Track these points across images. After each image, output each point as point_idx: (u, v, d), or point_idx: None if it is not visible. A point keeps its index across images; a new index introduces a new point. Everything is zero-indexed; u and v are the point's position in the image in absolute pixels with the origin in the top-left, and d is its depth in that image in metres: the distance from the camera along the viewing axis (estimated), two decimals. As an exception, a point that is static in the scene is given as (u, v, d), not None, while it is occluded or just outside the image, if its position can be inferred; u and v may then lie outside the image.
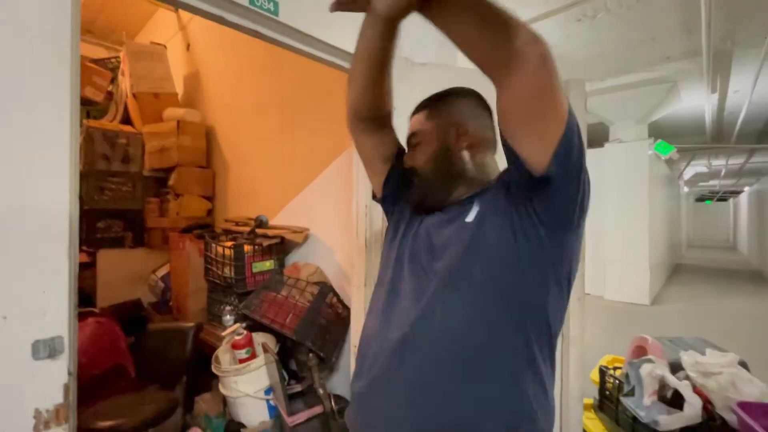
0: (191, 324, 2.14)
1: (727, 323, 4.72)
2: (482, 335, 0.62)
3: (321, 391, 1.67)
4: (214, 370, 1.79)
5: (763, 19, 3.16)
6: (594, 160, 5.72)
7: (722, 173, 10.51)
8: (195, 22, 3.32)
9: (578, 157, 0.58)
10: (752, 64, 3.94)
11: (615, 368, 1.77)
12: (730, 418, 1.26)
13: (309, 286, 1.88)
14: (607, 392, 1.71)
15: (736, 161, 8.97)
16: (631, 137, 5.82)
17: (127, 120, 3.16)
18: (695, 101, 5.40)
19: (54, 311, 0.74)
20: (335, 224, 2.00)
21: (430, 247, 0.71)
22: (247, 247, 2.10)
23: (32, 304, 0.72)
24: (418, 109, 0.82)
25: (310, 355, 1.72)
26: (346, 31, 1.34)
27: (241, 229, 2.33)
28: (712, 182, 13.28)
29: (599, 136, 6.31)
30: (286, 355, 1.94)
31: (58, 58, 0.76)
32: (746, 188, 13.08)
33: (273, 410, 1.74)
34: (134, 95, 3.05)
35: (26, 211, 0.72)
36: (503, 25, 0.53)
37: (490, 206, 0.67)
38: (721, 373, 1.32)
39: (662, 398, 1.42)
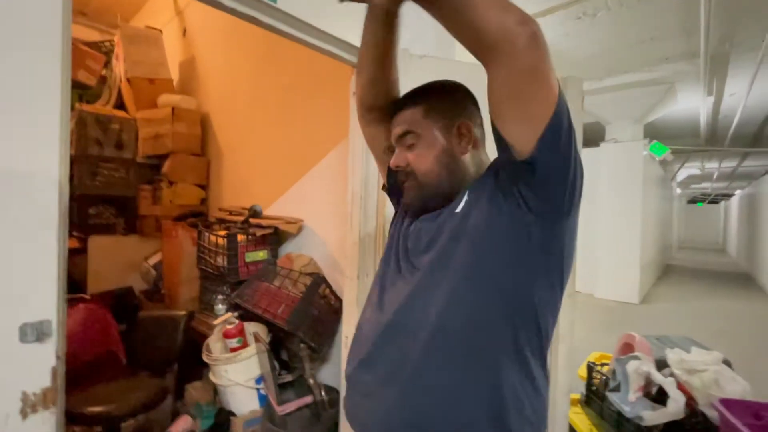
0: (183, 312, 2.13)
1: (715, 323, 4.81)
2: (463, 321, 0.62)
3: (311, 381, 1.68)
4: (205, 358, 1.79)
5: (761, 22, 3.17)
6: (589, 159, 5.74)
7: (715, 176, 10.63)
8: (192, 8, 3.26)
9: (567, 143, 0.57)
10: (749, 68, 3.96)
11: (602, 365, 1.80)
12: (712, 415, 1.29)
13: (302, 276, 1.88)
14: (594, 388, 1.74)
15: (728, 164, 9.08)
16: (626, 137, 5.85)
17: (120, 105, 3.11)
18: (691, 103, 5.44)
19: (42, 295, 0.73)
20: (329, 216, 2.00)
21: (422, 243, 0.71)
22: (240, 237, 2.10)
23: (20, 287, 0.71)
24: (409, 102, 0.75)
25: (302, 345, 1.72)
26: (345, 21, 1.33)
27: (234, 218, 2.31)
28: (704, 185, 13.44)
29: (595, 136, 6.34)
30: (278, 345, 1.95)
31: (48, 35, 0.74)
32: (737, 192, 13.24)
33: (263, 399, 1.75)
34: (128, 80, 3.00)
35: (14, 192, 0.71)
36: (492, 6, 0.53)
37: (479, 194, 0.67)
38: (705, 371, 1.35)
39: (647, 394, 1.45)
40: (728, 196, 15.48)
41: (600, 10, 3.17)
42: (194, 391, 2.09)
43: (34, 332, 0.72)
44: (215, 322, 1.88)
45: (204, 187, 3.05)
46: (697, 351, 1.51)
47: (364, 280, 1.46)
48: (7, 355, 0.70)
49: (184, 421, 2.01)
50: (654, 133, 6.54)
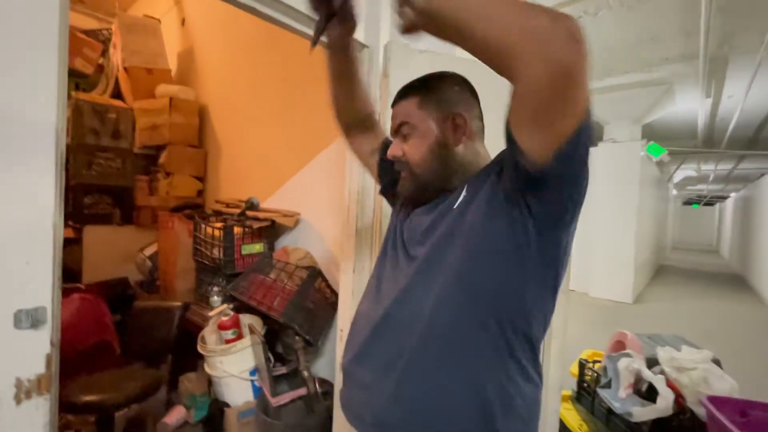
0: (178, 303, 2.14)
1: (706, 323, 4.87)
2: (453, 318, 0.62)
3: (306, 373, 1.69)
4: (199, 349, 1.79)
5: (761, 25, 3.18)
6: (587, 158, 5.78)
7: (710, 178, 10.69)
8: (191, -3, 3.23)
9: (584, 155, 0.55)
10: (747, 70, 3.98)
11: (595, 362, 1.82)
12: (700, 412, 1.31)
13: (298, 270, 1.89)
14: (585, 384, 1.76)
15: (724, 167, 9.13)
16: (624, 137, 5.88)
17: (117, 95, 3.09)
18: (689, 105, 5.46)
19: (37, 282, 0.73)
20: (326, 210, 2.00)
21: (417, 234, 0.72)
22: (236, 229, 2.09)
23: (15, 273, 0.71)
24: (406, 94, 0.76)
25: (297, 338, 1.73)
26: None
27: (231, 210, 2.31)
28: (700, 186, 13.51)
29: (594, 135, 6.36)
30: (273, 337, 1.96)
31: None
32: (732, 194, 13.34)
33: (257, 391, 1.75)
34: (126, 69, 2.98)
35: (8, 180, 0.71)
36: (514, 18, 0.49)
37: (478, 192, 0.65)
38: (694, 369, 1.37)
39: (637, 391, 1.47)
40: (723, 198, 15.59)
41: (601, 9, 3.17)
42: (188, 382, 2.09)
43: (28, 319, 0.72)
44: (210, 313, 1.88)
45: (201, 178, 3.04)
46: (688, 349, 1.53)
47: (360, 274, 1.47)
48: (1, 341, 0.71)
49: (178, 412, 2.02)
50: (652, 134, 6.57)
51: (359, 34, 1.48)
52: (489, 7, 0.52)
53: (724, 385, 1.31)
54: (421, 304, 0.64)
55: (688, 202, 19.23)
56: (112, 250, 2.77)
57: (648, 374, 1.42)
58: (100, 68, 3.19)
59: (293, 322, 1.70)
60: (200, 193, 3.03)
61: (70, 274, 2.56)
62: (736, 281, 8.33)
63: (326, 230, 2.05)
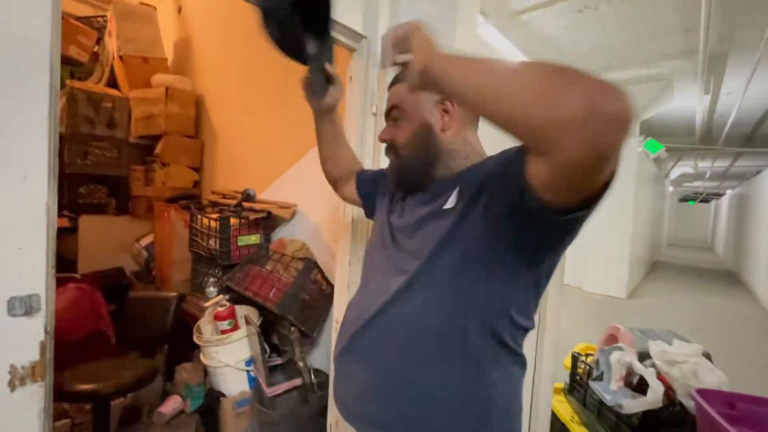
0: (174, 294, 2.14)
1: (698, 318, 4.92)
2: (440, 322, 0.62)
3: (301, 364, 1.70)
4: (195, 340, 1.80)
5: (761, 22, 3.17)
6: (585, 154, 5.79)
7: (707, 175, 10.73)
8: (187, -15, 3.18)
9: (600, 200, 0.51)
10: (746, 67, 3.98)
11: (587, 355, 1.84)
12: (690, 405, 1.33)
13: (294, 261, 1.89)
14: (578, 377, 1.78)
15: (721, 164, 9.16)
16: (622, 134, 5.88)
17: (113, 84, 3.05)
18: (687, 101, 5.46)
19: (30, 269, 0.73)
20: (323, 201, 2.00)
21: (407, 227, 0.72)
22: (233, 220, 2.09)
23: (8, 260, 0.71)
24: (399, 78, 0.76)
25: (292, 329, 1.74)
26: (345, 4, 1.31)
27: (227, 201, 2.30)
28: (696, 183, 13.57)
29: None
30: (269, 328, 1.96)
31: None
32: (728, 191, 13.41)
33: (253, 381, 1.77)
34: (121, 58, 2.94)
35: (1, 165, 0.70)
36: (545, 93, 0.43)
37: (474, 197, 0.62)
38: (684, 363, 1.39)
39: (628, 384, 1.49)
40: (719, 195, 15.67)
41: (602, 3, 3.15)
42: (184, 372, 2.11)
43: (22, 306, 0.72)
44: (206, 304, 1.88)
45: (197, 169, 3.02)
46: (679, 343, 1.55)
47: (356, 265, 1.47)
48: (-6, 327, 0.70)
49: (173, 401, 2.04)
50: (650, 130, 6.57)
51: (357, 25, 1.47)
52: (503, 83, 0.46)
53: (714, 379, 1.33)
54: (413, 306, 0.64)
55: (684, 199, 19.33)
56: (107, 240, 2.76)
57: (639, 367, 1.44)
58: (96, 56, 3.15)
59: (289, 313, 1.70)
60: (196, 183, 3.02)
61: (65, 263, 2.55)
62: (729, 278, 8.41)
63: (323, 222, 2.05)
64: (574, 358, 1.83)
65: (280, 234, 2.26)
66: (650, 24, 3.47)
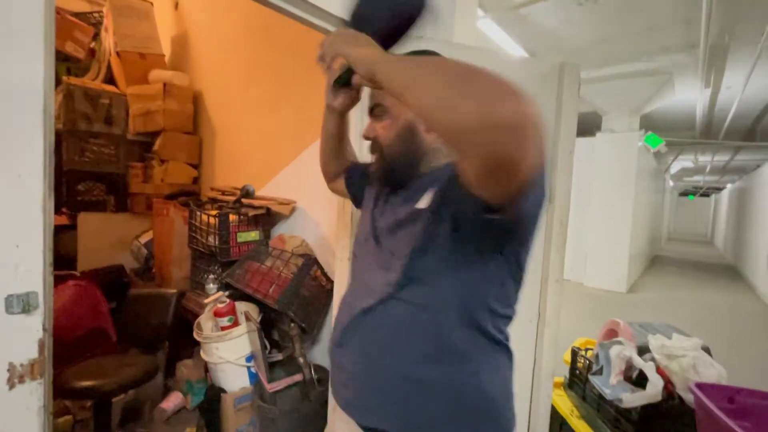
0: (174, 291, 2.14)
1: (698, 312, 4.94)
2: (424, 320, 0.64)
3: (301, 360, 1.71)
4: (195, 336, 1.80)
5: (762, 15, 3.15)
6: (584, 149, 5.78)
7: (707, 169, 10.72)
8: (184, -21, 3.16)
9: (539, 197, 0.53)
10: (747, 61, 3.96)
11: (587, 350, 1.84)
12: (689, 398, 1.33)
13: (293, 257, 1.89)
14: (578, 371, 1.79)
15: (721, 158, 9.15)
16: (623, 128, 5.86)
17: (110, 80, 3.03)
18: (688, 95, 5.44)
19: (28, 266, 0.73)
20: (322, 197, 1.99)
21: (388, 226, 0.73)
22: (232, 217, 2.08)
23: (5, 258, 0.71)
24: None
25: (292, 325, 1.74)
26: (341, -3, 1.29)
27: (226, 198, 2.30)
28: (696, 178, 13.56)
29: (591, 125, 6.34)
30: (269, 324, 1.97)
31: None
32: (728, 185, 13.40)
33: (253, 377, 1.77)
34: (118, 54, 2.92)
35: (-2, 162, 0.70)
36: (473, 97, 0.42)
37: (443, 194, 0.64)
38: (684, 356, 1.39)
39: (628, 378, 1.49)
40: (719, 189, 15.66)
41: (602, -4, 3.13)
42: (185, 368, 2.11)
43: (20, 304, 0.72)
44: (206, 301, 1.88)
45: (196, 166, 3.01)
46: (678, 337, 1.55)
47: (354, 262, 1.47)
48: (-8, 325, 0.70)
49: (175, 397, 2.05)
50: (650, 124, 6.56)
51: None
52: (419, 82, 0.48)
53: (713, 372, 1.33)
54: (395, 303, 0.67)
55: (685, 193, 19.33)
56: (106, 237, 2.76)
57: (638, 361, 1.44)
58: (92, 53, 3.12)
59: (288, 309, 1.70)
60: (195, 180, 3.01)
61: (65, 261, 2.55)
62: (729, 272, 8.43)
63: (322, 218, 2.05)
64: (574, 353, 1.84)
65: (280, 230, 2.26)
66: (650, 17, 3.45)
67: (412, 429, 0.64)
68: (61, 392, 1.48)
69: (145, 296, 2.18)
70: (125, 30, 2.92)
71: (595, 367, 1.63)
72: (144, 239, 2.80)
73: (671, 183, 14.69)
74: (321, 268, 1.93)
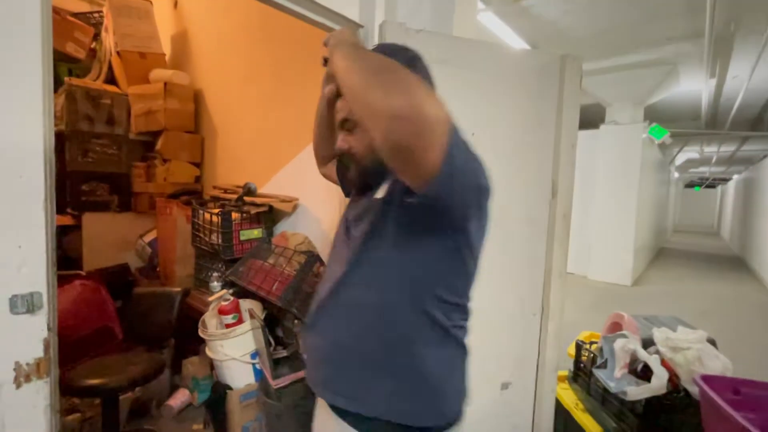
0: (178, 289, 2.15)
1: (704, 304, 4.91)
2: (374, 301, 0.68)
3: (305, 356, 1.71)
4: (200, 334, 1.81)
5: (767, 4, 3.10)
6: (588, 141, 5.72)
7: (713, 160, 10.60)
8: (183, -22, 3.15)
9: (461, 180, 0.57)
10: (753, 50, 3.90)
11: (591, 343, 1.84)
12: (694, 391, 1.33)
13: (296, 255, 1.89)
14: (582, 365, 1.78)
15: (727, 148, 9.04)
16: (627, 119, 5.80)
17: (111, 80, 3.04)
18: (693, 85, 5.37)
19: (31, 266, 0.73)
20: (324, 195, 1.99)
21: (354, 218, 0.77)
22: (234, 215, 2.09)
23: (8, 258, 0.71)
24: None
25: (296, 321, 1.75)
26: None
27: (229, 196, 2.30)
28: (702, 169, 13.42)
29: (595, 117, 6.27)
30: (273, 321, 1.98)
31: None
32: (735, 176, 13.25)
33: (259, 373, 1.78)
34: (118, 53, 2.92)
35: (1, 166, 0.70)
36: (381, 84, 0.52)
37: (396, 184, 0.68)
38: (689, 349, 1.38)
39: (632, 371, 1.49)
40: (725, 180, 15.50)
41: (604, -14, 3.09)
42: (191, 366, 2.13)
43: (24, 304, 0.72)
44: (210, 298, 1.90)
45: (198, 164, 3.02)
46: (683, 330, 1.54)
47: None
48: (-2, 325, 0.71)
49: (182, 394, 2.07)
50: (654, 115, 6.48)
51: (353, 14, 1.44)
52: (352, 69, 0.57)
53: (718, 364, 1.32)
54: (354, 287, 0.70)
55: (690, 185, 19.15)
56: (111, 236, 2.78)
57: (643, 354, 1.44)
58: (93, 53, 3.13)
59: (292, 306, 1.71)
60: (197, 179, 3.02)
61: (70, 261, 2.58)
62: (735, 263, 8.36)
63: (324, 215, 2.05)
64: (578, 346, 1.83)
65: (283, 227, 2.26)
66: (653, 6, 3.40)
67: (367, 410, 0.67)
68: (69, 390, 1.50)
69: (150, 295, 2.19)
70: (125, 30, 2.92)
71: (599, 361, 1.62)
72: (148, 238, 2.82)
73: (676, 174, 14.55)
74: (324, 264, 1.94)
